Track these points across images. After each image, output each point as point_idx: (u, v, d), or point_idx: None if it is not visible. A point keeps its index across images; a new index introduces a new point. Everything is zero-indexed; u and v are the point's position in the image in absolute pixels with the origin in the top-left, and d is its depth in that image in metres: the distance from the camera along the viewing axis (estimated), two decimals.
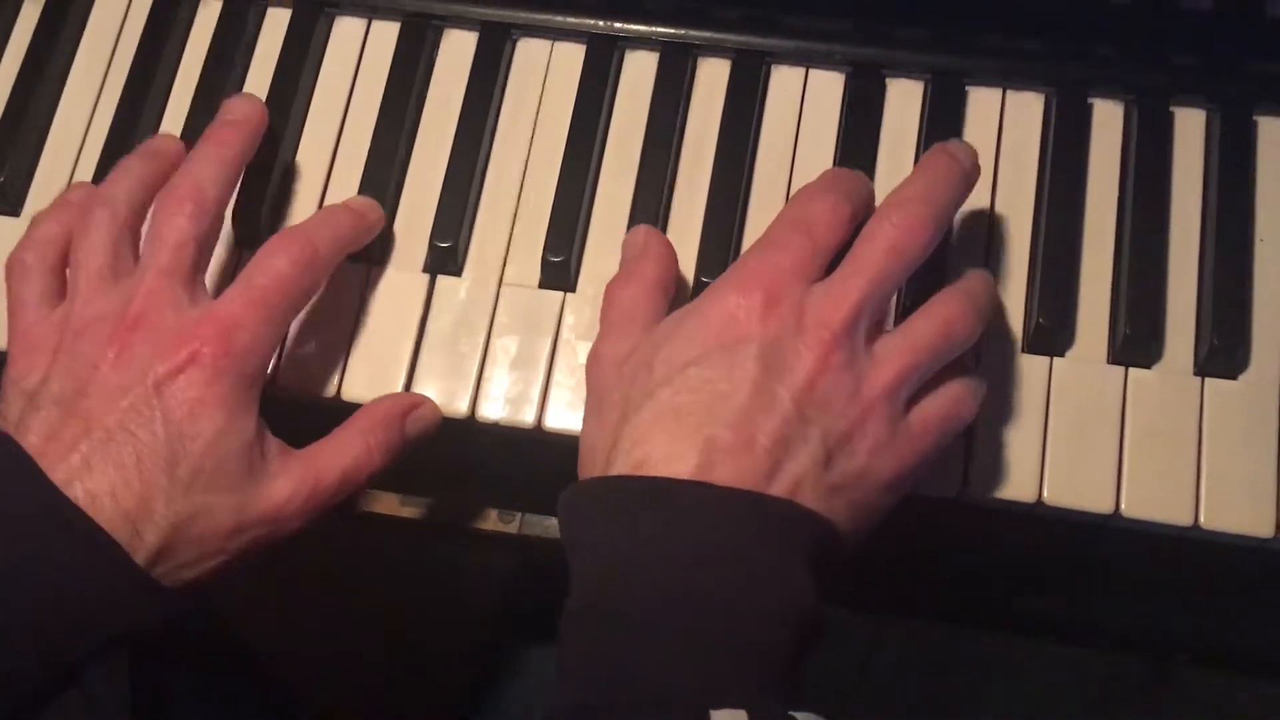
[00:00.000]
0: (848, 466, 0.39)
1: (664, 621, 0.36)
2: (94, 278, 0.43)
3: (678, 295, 0.46)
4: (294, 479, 0.43)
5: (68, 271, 0.45)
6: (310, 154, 0.52)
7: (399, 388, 0.48)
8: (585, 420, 0.43)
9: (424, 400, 0.47)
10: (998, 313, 0.48)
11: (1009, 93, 0.51)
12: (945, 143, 0.44)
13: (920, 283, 0.45)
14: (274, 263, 0.43)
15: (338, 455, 0.44)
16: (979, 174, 0.44)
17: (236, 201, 0.49)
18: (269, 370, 0.45)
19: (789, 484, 0.38)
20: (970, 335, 0.42)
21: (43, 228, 0.46)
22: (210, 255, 0.45)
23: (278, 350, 0.47)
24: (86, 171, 0.52)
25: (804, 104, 0.51)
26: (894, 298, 0.44)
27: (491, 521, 0.54)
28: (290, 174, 0.52)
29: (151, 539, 0.40)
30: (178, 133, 0.52)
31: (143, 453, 0.40)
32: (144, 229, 0.46)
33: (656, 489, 0.38)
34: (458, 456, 0.52)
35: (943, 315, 0.41)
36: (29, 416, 0.41)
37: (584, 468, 0.42)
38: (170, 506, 0.40)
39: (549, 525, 0.54)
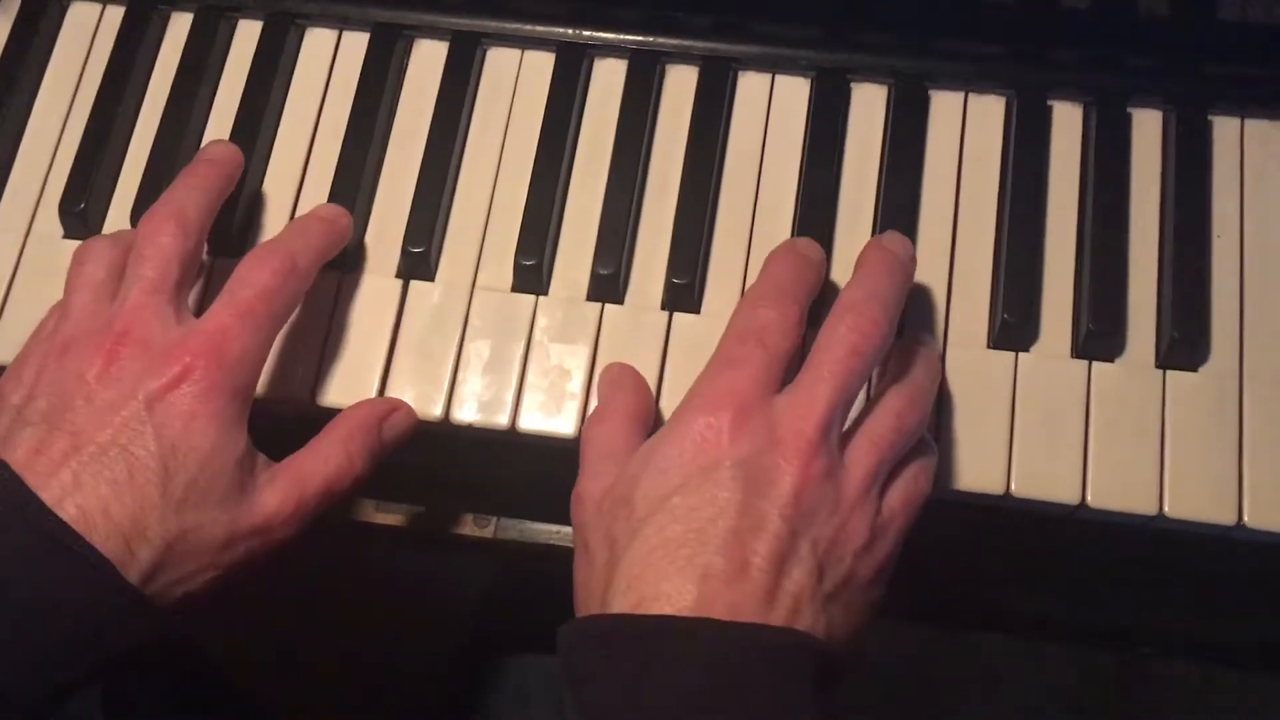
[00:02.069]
0: (837, 573, 0.39)
1: None
2: (84, 298, 0.44)
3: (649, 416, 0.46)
4: (280, 490, 0.43)
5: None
6: (282, 163, 0.52)
7: (373, 393, 0.48)
8: (575, 559, 0.43)
9: (399, 404, 0.47)
10: (964, 310, 0.49)
11: (971, 95, 0.52)
12: (879, 237, 0.46)
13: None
14: (256, 275, 0.43)
15: (321, 464, 0.44)
16: (915, 263, 0.46)
17: None
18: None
19: (789, 605, 0.38)
20: (921, 423, 0.43)
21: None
22: (194, 276, 0.45)
23: None
24: (58, 184, 0.52)
25: (770, 109, 0.52)
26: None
27: (467, 526, 0.54)
28: (262, 183, 0.52)
29: (145, 556, 0.40)
30: (148, 146, 0.52)
31: (135, 468, 0.40)
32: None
33: (659, 628, 0.37)
34: (433, 462, 0.52)
35: (895, 409, 0.42)
36: (15, 433, 0.41)
37: (580, 606, 0.42)
38: (164, 523, 0.40)
39: (524, 529, 0.55)
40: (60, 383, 0.41)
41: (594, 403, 0.47)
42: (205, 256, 0.50)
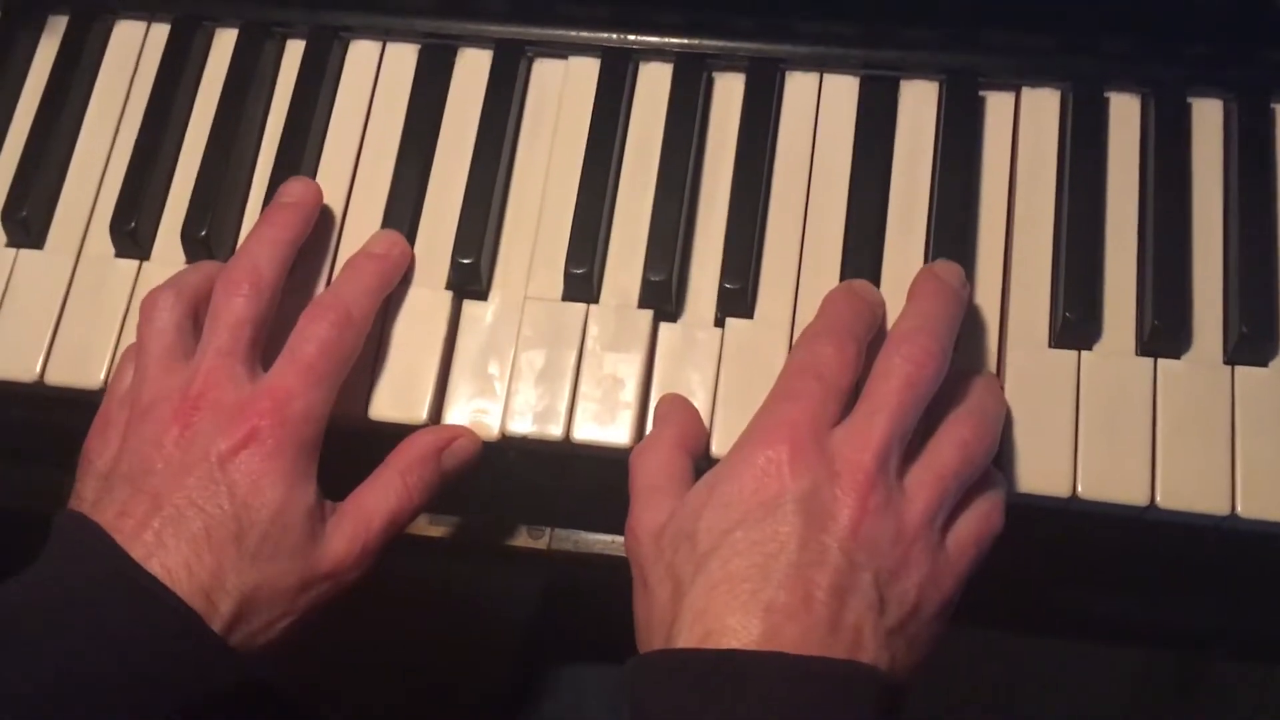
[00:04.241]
0: (901, 605, 0.39)
1: None
2: (159, 359, 0.45)
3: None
4: (348, 533, 0.44)
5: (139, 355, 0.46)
6: (330, 176, 0.52)
7: (426, 406, 0.48)
8: (635, 593, 0.43)
9: (461, 432, 0.47)
10: (1023, 309, 0.48)
11: (1025, 89, 0.51)
12: (931, 265, 0.46)
13: None
14: (315, 330, 0.45)
15: (382, 500, 0.45)
16: (968, 289, 0.45)
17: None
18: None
19: (850, 636, 0.38)
20: (988, 452, 0.43)
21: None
22: (266, 331, 0.46)
23: None
24: (108, 203, 0.52)
25: (819, 109, 0.51)
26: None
27: (521, 538, 0.54)
28: None
29: (225, 608, 0.41)
30: (196, 164, 0.52)
31: (211, 526, 0.42)
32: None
33: (727, 661, 0.38)
34: (485, 473, 0.52)
35: (960, 439, 0.42)
36: (103, 496, 0.43)
37: (643, 641, 0.42)
38: (241, 576, 0.42)
39: (578, 540, 0.54)
40: (141, 448, 0.43)
41: (649, 411, 0.47)
42: None
